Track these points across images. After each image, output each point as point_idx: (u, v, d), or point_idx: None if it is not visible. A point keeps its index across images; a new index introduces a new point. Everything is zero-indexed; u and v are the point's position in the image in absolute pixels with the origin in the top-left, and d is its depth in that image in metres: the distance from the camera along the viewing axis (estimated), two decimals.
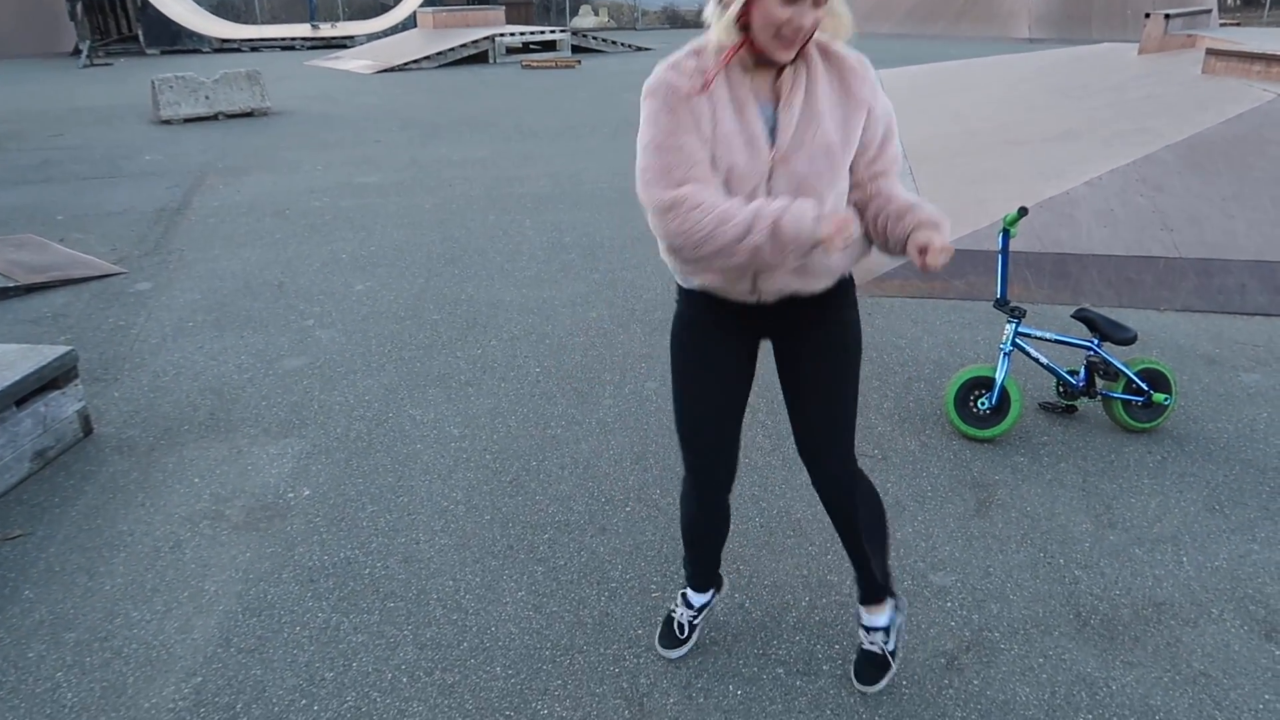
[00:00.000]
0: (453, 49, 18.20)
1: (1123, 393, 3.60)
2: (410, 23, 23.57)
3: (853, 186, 2.01)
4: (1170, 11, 10.64)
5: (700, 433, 2.32)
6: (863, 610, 2.44)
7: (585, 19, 30.55)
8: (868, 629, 2.43)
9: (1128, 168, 6.04)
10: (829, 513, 2.38)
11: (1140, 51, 10.37)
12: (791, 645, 2.56)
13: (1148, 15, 10.65)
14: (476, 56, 18.52)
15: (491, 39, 18.62)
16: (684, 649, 2.53)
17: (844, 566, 2.87)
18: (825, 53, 1.96)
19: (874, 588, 2.40)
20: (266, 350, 4.55)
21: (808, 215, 1.81)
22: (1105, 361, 3.58)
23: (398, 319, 4.92)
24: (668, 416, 3.82)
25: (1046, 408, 3.85)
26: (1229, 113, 6.57)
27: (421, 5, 24.04)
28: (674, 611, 2.57)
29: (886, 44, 20.47)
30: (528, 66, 17.54)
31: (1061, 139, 7.30)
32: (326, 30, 24.80)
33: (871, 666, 2.41)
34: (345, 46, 22.34)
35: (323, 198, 7.56)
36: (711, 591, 2.59)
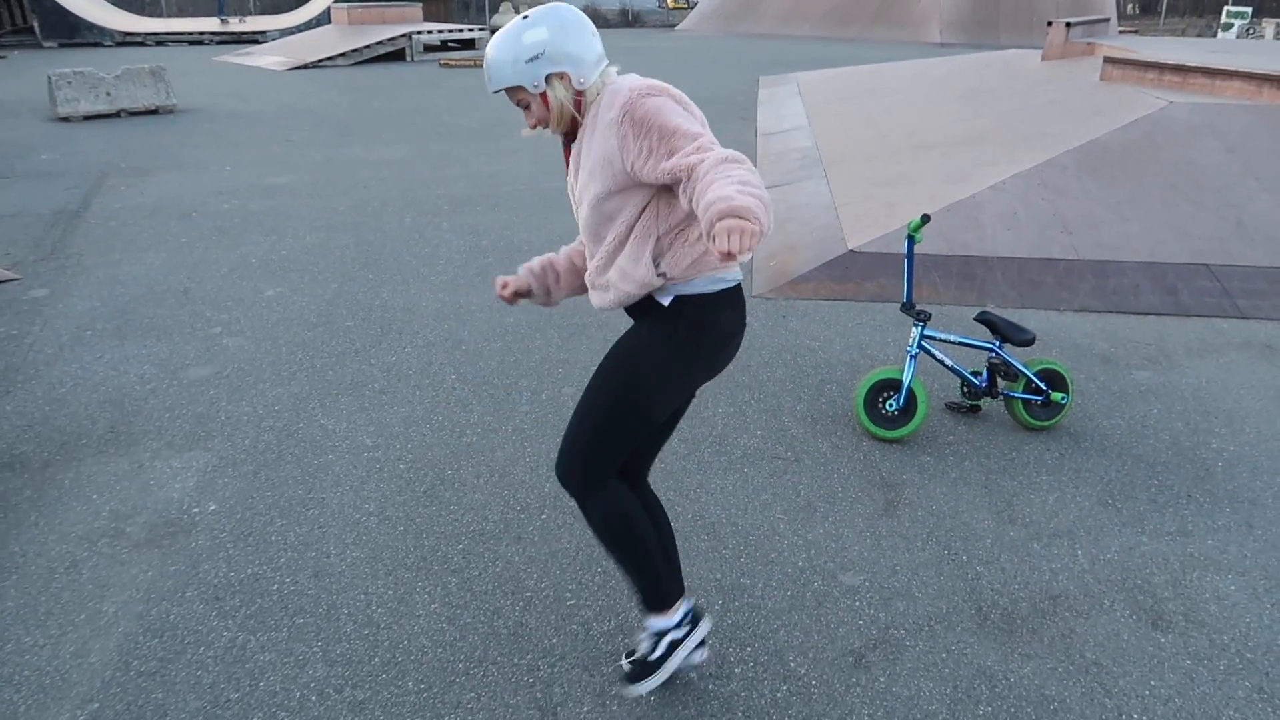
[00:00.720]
0: (368, 46, 17.88)
1: (1023, 392, 3.73)
2: (324, 18, 23.07)
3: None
4: (1071, 20, 11.04)
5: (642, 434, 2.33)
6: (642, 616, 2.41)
7: (505, 17, 30.32)
8: (642, 628, 2.43)
9: (1030, 172, 6.26)
10: None
11: (1043, 58, 10.74)
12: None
13: (1050, 23, 11.03)
14: (393, 54, 18.22)
15: (409, 36, 18.34)
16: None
17: (756, 569, 2.92)
18: (597, 101, 2.18)
19: (645, 591, 2.34)
20: (171, 359, 4.41)
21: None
22: (1006, 362, 3.71)
23: (309, 325, 4.82)
24: None
25: (952, 408, 3.97)
26: (1124, 119, 6.86)
27: (336, 1, 23.55)
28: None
29: (804, 46, 20.79)
30: (446, 65, 17.33)
31: (969, 143, 7.52)
32: (236, 25, 24.13)
33: (636, 667, 2.37)
34: (256, 42, 21.77)
35: (231, 199, 7.36)
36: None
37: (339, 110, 12.07)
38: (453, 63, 17.48)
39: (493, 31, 20.94)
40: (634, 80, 2.16)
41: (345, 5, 20.89)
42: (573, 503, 3.26)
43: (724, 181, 1.80)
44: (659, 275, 2.16)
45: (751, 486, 3.39)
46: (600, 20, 30.62)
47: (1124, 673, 2.51)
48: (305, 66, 16.95)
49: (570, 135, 2.25)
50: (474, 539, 3.06)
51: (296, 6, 27.15)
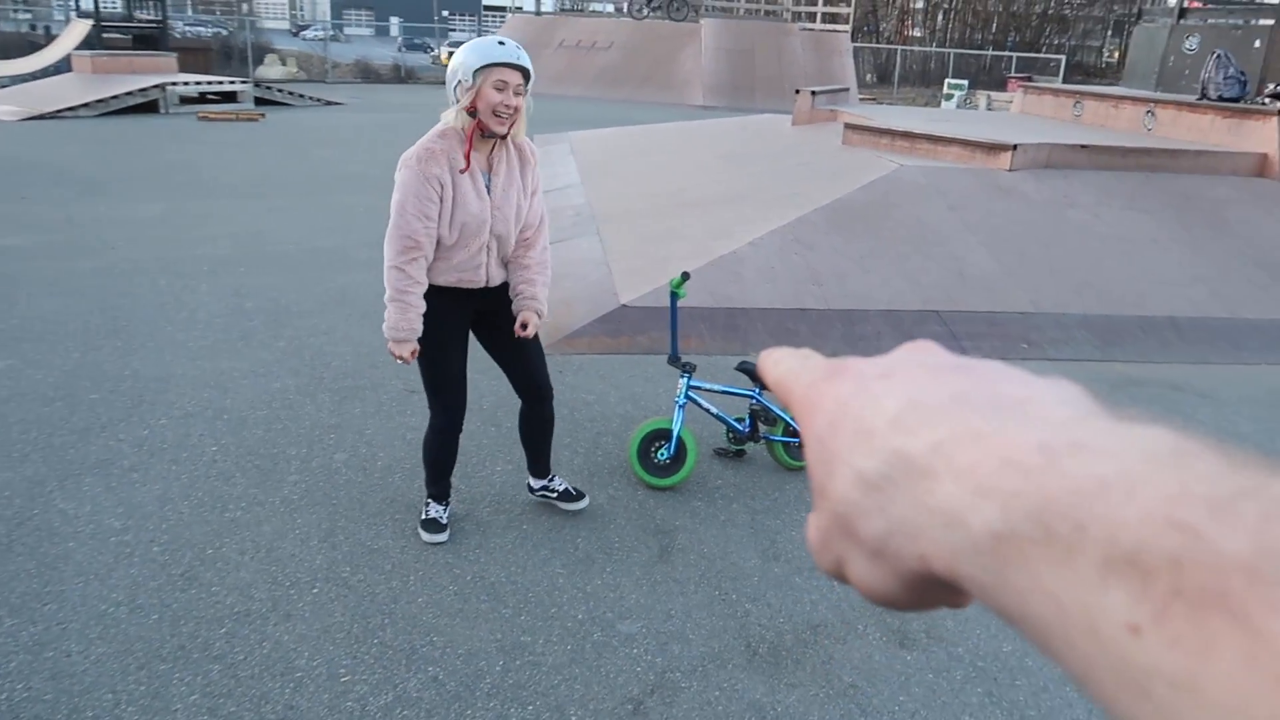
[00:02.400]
0: (116, 96, 16.67)
1: (782, 435, 3.99)
2: (64, 66, 21.32)
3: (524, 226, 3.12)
4: (816, 89, 12.04)
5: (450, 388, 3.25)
6: (538, 480, 3.59)
7: (271, 69, 29.20)
8: (550, 482, 3.59)
9: (784, 228, 6.75)
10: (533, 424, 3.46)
11: (794, 123, 11.63)
12: (486, 712, 2.58)
13: (798, 91, 11.98)
14: (145, 106, 17.10)
15: (162, 87, 17.28)
16: (446, 534, 3.36)
17: (537, 626, 2.94)
18: (514, 141, 3.03)
19: (548, 464, 3.58)
20: None
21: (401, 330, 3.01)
22: (765, 408, 3.96)
23: (45, 400, 4.41)
24: (359, 489, 3.73)
25: (719, 453, 4.18)
26: (863, 180, 7.54)
27: (78, 48, 21.85)
28: (430, 510, 3.40)
29: (577, 106, 21.40)
30: (205, 118, 16.46)
31: (730, 201, 8.01)
32: None
33: (571, 494, 3.57)
34: None
35: None
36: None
37: (83, 165, 11.17)
38: (213, 116, 16.64)
39: (256, 84, 20.10)
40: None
41: (89, 53, 19.41)
42: (347, 572, 3.18)
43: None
44: None
45: (530, 543, 3.42)
46: (373, 75, 30.14)
47: (876, 691, 2.73)
48: (43, 117, 15.57)
49: (480, 141, 2.95)
50: (238, 620, 2.90)
51: (30, 52, 24.94)
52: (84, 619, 2.87)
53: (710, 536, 3.53)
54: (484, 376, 4.90)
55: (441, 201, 2.87)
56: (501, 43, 2.87)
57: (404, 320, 2.94)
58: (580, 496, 3.62)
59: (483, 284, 3.09)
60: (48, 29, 30.64)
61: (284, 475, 3.83)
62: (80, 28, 24.34)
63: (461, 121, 2.87)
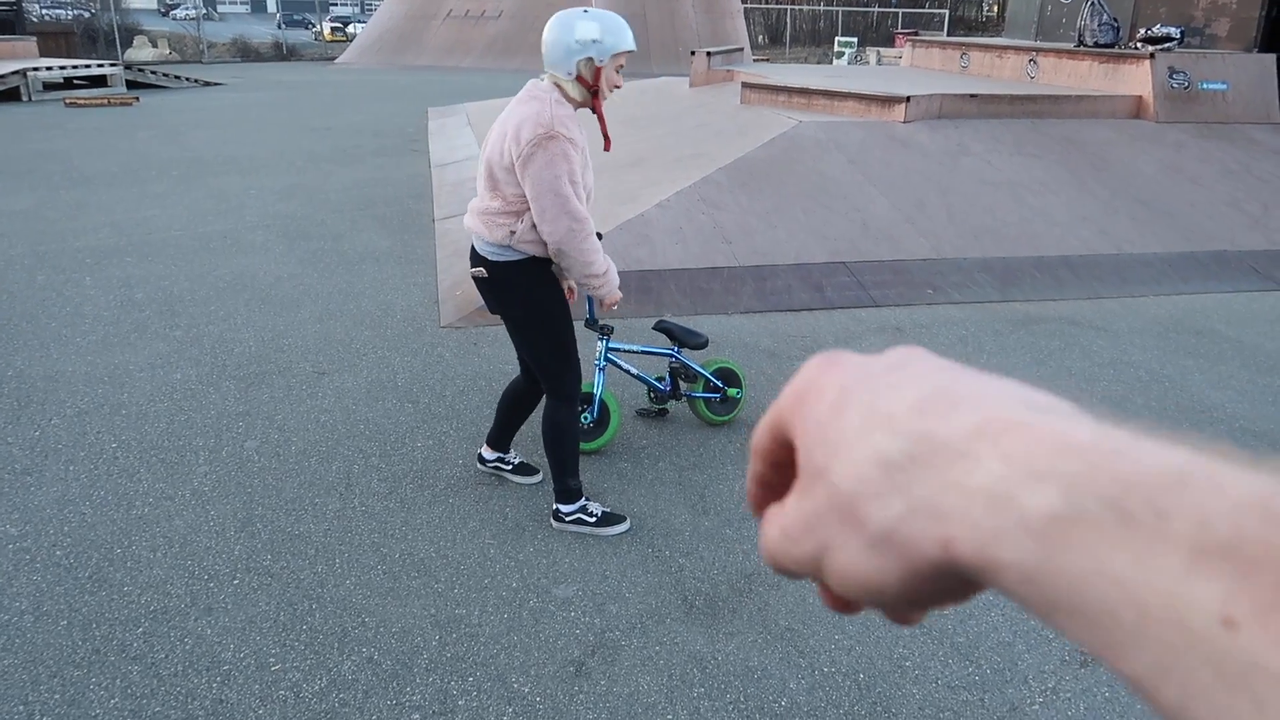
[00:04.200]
0: None
1: (703, 392, 4.01)
2: None
3: None
4: (711, 50, 12.04)
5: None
6: (493, 452, 3.55)
7: (142, 51, 27.76)
8: (505, 455, 3.56)
9: (690, 189, 6.75)
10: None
11: (691, 85, 11.62)
12: (425, 688, 2.53)
13: (694, 53, 11.96)
14: (5, 94, 16.06)
15: (23, 74, 16.24)
16: (627, 522, 3.30)
17: (471, 598, 2.90)
18: None
19: (506, 442, 3.56)
20: None
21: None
22: (685, 366, 3.97)
23: None
24: (274, 476, 3.60)
25: (643, 414, 4.18)
26: (764, 138, 7.59)
27: None
28: (591, 506, 3.28)
29: (469, 78, 20.96)
30: (73, 104, 15.55)
31: (633, 166, 7.96)
32: None
33: (526, 467, 3.59)
34: None
35: None
36: None
37: None
38: (81, 101, 15.74)
39: (127, 67, 19.06)
40: None
41: None
42: (269, 560, 3.07)
43: None
44: None
45: (458, 516, 3.36)
46: (253, 53, 28.94)
47: (812, 633, 2.77)
48: None
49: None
50: (156, 619, 2.77)
51: None
52: None
53: (639, 496, 3.53)
54: (395, 353, 4.79)
55: (583, 168, 2.89)
56: (623, 25, 2.92)
57: (611, 277, 2.99)
58: (535, 471, 3.59)
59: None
60: None
61: (192, 467, 3.67)
62: None
63: (580, 94, 2.88)
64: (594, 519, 3.26)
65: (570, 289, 3.17)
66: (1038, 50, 10.19)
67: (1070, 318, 5.63)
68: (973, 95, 8.42)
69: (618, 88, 2.93)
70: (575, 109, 2.89)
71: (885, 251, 6.27)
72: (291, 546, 3.16)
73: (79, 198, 8.40)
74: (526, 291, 2.98)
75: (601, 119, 2.98)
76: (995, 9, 46.35)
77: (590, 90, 2.88)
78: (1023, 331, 5.37)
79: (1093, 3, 10.08)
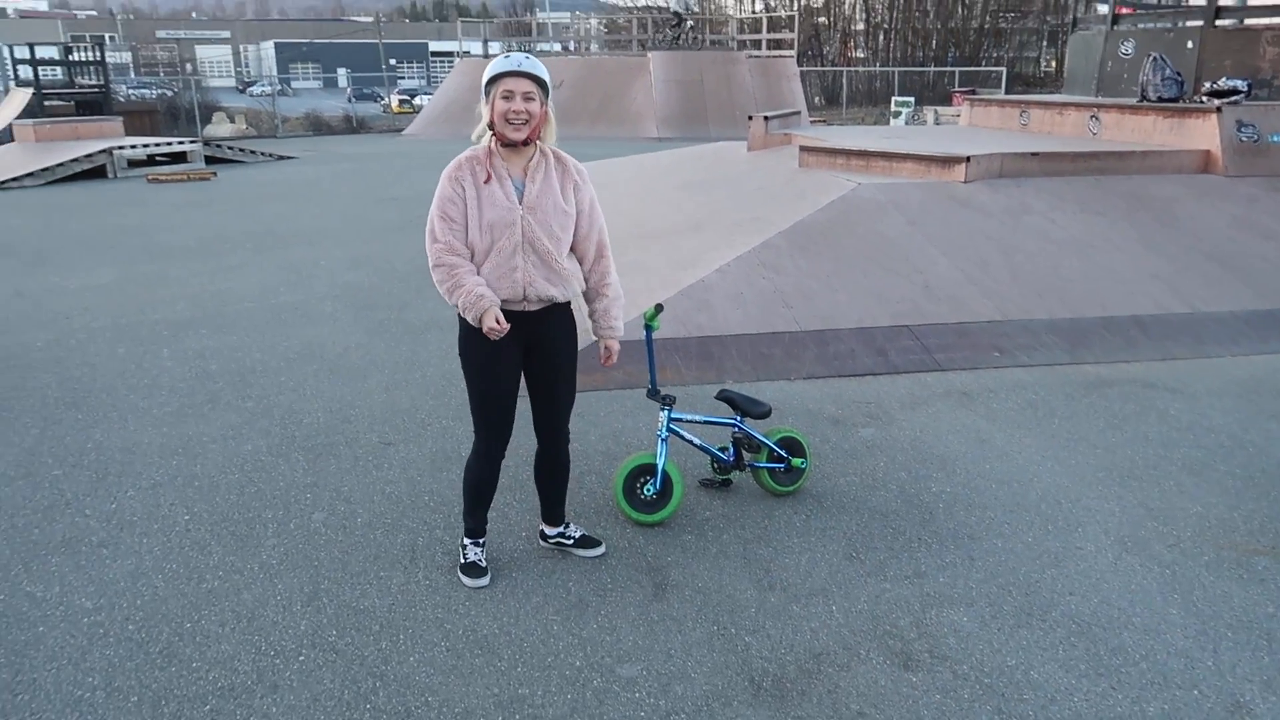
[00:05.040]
0: (61, 164, 16.44)
1: (766, 462, 3.96)
2: (5, 136, 21.02)
3: (575, 242, 3.18)
4: (768, 114, 12.16)
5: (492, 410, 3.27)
6: (553, 528, 3.60)
7: (220, 127, 29.05)
8: (564, 529, 3.59)
9: (749, 254, 6.76)
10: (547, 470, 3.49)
11: (749, 149, 11.73)
12: None
13: (750, 117, 12.09)
14: (93, 172, 16.88)
15: (109, 152, 17.08)
16: (488, 577, 3.37)
17: (535, 677, 2.86)
18: (556, 155, 3.13)
19: (562, 512, 3.59)
20: None
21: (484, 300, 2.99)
22: (748, 435, 3.93)
23: (6, 480, 4.26)
24: (340, 548, 3.63)
25: (706, 484, 4.14)
26: (823, 201, 7.60)
27: (19, 117, 21.58)
28: (467, 553, 3.43)
29: None
30: (155, 180, 16.28)
31: (692, 230, 8.03)
32: None
33: (589, 540, 3.58)
34: None
35: None
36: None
37: (30, 236, 10.97)
38: (163, 177, 16.46)
39: (205, 143, 19.93)
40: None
41: (31, 122, 19.16)
42: (334, 635, 3.08)
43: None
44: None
45: (521, 591, 3.34)
46: (324, 126, 30.08)
47: (885, 718, 2.67)
48: None
49: (509, 153, 3.05)
50: (223, 696, 2.79)
51: None
52: (59, 707, 2.74)
53: (703, 570, 3.47)
54: (459, 422, 4.83)
55: (467, 206, 2.99)
56: (507, 57, 2.99)
57: (467, 294, 2.97)
58: (597, 543, 3.59)
59: (520, 297, 3.07)
60: None
61: (261, 540, 3.72)
62: (20, 96, 24.07)
63: (484, 136, 3.03)
64: (462, 562, 3.43)
65: (605, 352, 3.38)
66: (1099, 106, 10.09)
67: (1144, 380, 5.47)
68: (1034, 153, 8.34)
69: (516, 114, 2.93)
70: (491, 148, 3.03)
71: (949, 313, 6.18)
72: (356, 621, 3.17)
73: (158, 271, 8.73)
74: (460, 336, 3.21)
75: (489, 150, 3.04)
76: (1053, 64, 46.17)
77: (490, 128, 3.00)
78: (1095, 395, 5.22)
79: (1155, 57, 9.97)
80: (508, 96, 2.93)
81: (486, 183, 2.99)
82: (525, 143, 3.01)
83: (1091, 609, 3.20)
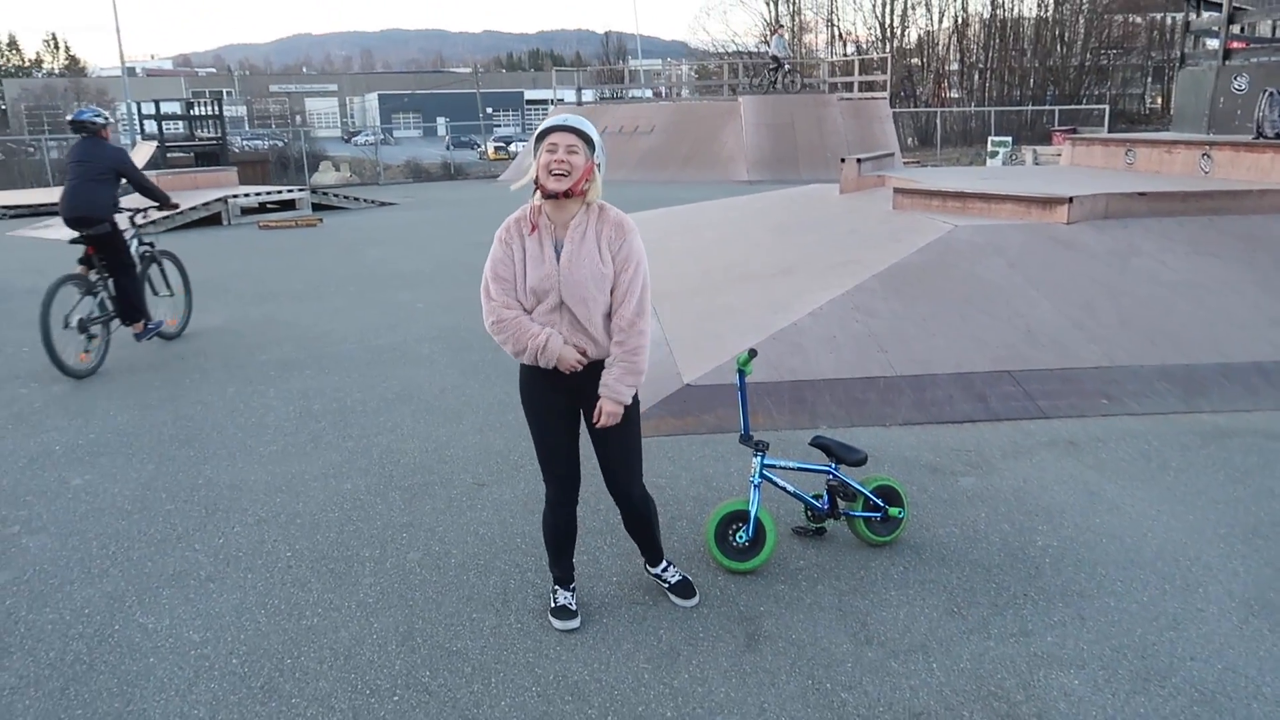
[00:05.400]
0: (181, 212, 17.40)
1: (862, 510, 3.86)
2: (130, 186, 22.34)
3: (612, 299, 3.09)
4: (861, 156, 12.07)
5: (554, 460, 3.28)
6: (652, 568, 3.60)
7: (326, 175, 30.35)
8: (663, 572, 3.58)
9: (843, 297, 6.68)
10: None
11: (841, 191, 11.64)
12: None
13: (843, 159, 12.02)
14: (209, 219, 17.79)
15: (224, 200, 17.99)
16: (577, 620, 3.38)
17: None
18: (601, 210, 3.10)
19: (658, 552, 3.57)
20: None
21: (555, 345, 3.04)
22: (843, 483, 3.84)
23: (123, 514, 4.46)
24: (434, 589, 3.67)
25: (799, 532, 4.05)
26: (919, 243, 7.47)
27: (144, 168, 22.92)
28: (557, 597, 3.44)
29: (622, 189, 21.77)
30: (266, 227, 17.06)
31: (784, 273, 7.98)
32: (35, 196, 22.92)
33: (685, 588, 3.53)
34: (57, 214, 20.75)
35: (30, 383, 6.84)
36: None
37: None
38: (273, 224, 17.24)
39: (313, 190, 20.83)
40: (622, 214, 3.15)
41: (154, 173, 20.35)
42: (427, 676, 3.10)
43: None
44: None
45: (612, 637, 3.31)
46: (423, 173, 31.13)
47: None
48: None
49: (553, 207, 3.05)
50: None
51: None
52: None
53: (797, 621, 3.39)
54: None
55: (515, 266, 3.05)
56: (555, 115, 3.09)
57: (537, 339, 3.03)
58: (693, 594, 3.53)
59: (551, 362, 3.09)
60: None
61: (359, 578, 3.79)
62: (145, 149, 25.55)
63: (530, 190, 3.08)
64: (552, 606, 3.45)
65: (596, 411, 3.14)
66: (1211, 144, 9.70)
67: (1267, 431, 5.17)
68: (1142, 193, 8.05)
69: (560, 164, 2.95)
70: (537, 204, 3.06)
71: (1052, 359, 5.97)
72: (449, 663, 3.19)
73: (267, 313, 9.10)
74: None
75: (534, 221, 3.07)
76: (1159, 101, 44.76)
77: (536, 183, 3.02)
78: (1214, 446, 4.95)
79: (1272, 93, 9.57)
80: (552, 149, 2.97)
81: (532, 234, 3.04)
82: (568, 195, 2.98)
83: (1215, 676, 3.01)
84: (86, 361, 6.95)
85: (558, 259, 3.01)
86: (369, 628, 3.42)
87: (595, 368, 3.12)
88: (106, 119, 7.44)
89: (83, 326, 6.97)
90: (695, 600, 3.52)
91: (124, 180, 7.26)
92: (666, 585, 3.56)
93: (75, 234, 7.15)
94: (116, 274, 7.30)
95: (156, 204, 7.71)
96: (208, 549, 4.08)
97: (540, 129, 3.05)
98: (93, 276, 7.17)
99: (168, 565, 3.94)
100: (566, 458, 3.27)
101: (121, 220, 7.35)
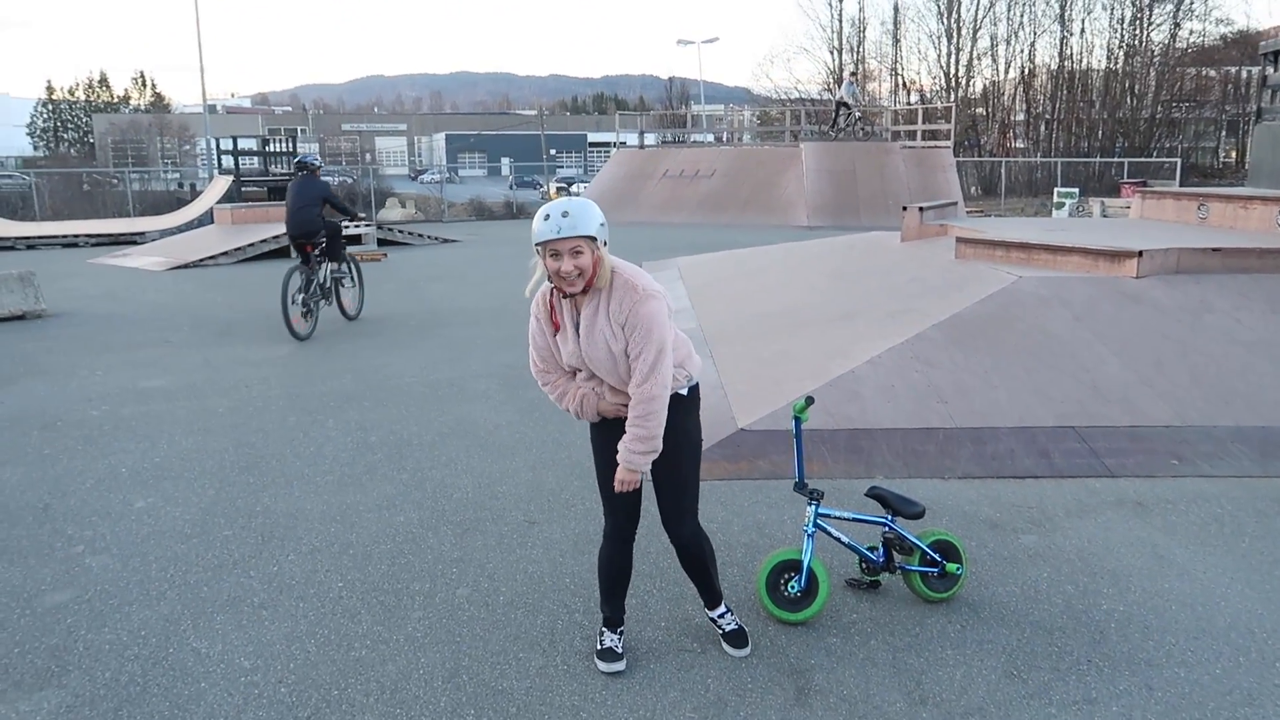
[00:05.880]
0: (252, 244, 17.90)
1: (918, 565, 3.76)
2: (206, 219, 23.12)
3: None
4: (923, 205, 11.99)
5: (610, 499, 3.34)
6: (709, 611, 3.54)
7: (392, 211, 31.05)
8: (719, 617, 3.51)
9: (902, 346, 6.59)
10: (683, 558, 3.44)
11: (902, 239, 11.55)
12: None
13: (905, 208, 11.94)
14: (279, 251, 18.28)
15: None
16: (623, 663, 3.34)
17: None
18: (612, 283, 3.05)
19: (715, 594, 3.51)
20: (24, 586, 4.05)
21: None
22: (900, 536, 3.76)
23: (183, 538, 4.54)
24: (482, 626, 3.66)
25: (852, 584, 3.97)
26: (981, 294, 7.36)
27: (220, 201, 23.72)
28: (604, 639, 3.41)
29: (681, 232, 21.89)
30: None
31: (843, 320, 7.91)
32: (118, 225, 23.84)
33: (739, 637, 3.46)
34: (135, 243, 21.54)
35: (101, 405, 7.05)
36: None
37: (220, 309, 11.92)
38: None
39: (379, 226, 21.32)
40: (634, 275, 3.08)
41: (229, 206, 21.04)
42: (472, 715, 3.07)
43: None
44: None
45: (658, 684, 3.26)
46: (486, 212, 31.68)
47: None
48: (185, 266, 16.80)
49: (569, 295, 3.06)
50: None
51: (178, 208, 27.20)
52: None
53: (849, 677, 3.30)
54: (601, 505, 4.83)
55: (549, 342, 3.21)
56: (547, 216, 2.93)
57: (573, 405, 3.24)
58: (745, 644, 3.47)
59: (598, 415, 3.25)
60: (193, 186, 33.49)
61: (408, 612, 3.79)
62: (221, 183, 26.49)
63: (542, 274, 3.09)
64: (598, 648, 3.41)
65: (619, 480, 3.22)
66: None
67: None
68: (1215, 249, 7.85)
69: (564, 276, 2.93)
70: (552, 299, 3.16)
71: (1120, 416, 5.80)
72: (494, 703, 3.16)
73: (329, 345, 9.28)
74: None
75: (553, 312, 3.16)
76: (1234, 155, 43.81)
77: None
78: None
79: None
80: (555, 256, 2.92)
81: (555, 334, 3.17)
82: (585, 290, 3.03)
83: None
84: (305, 327, 9.61)
85: (578, 337, 3.12)
86: (416, 663, 3.42)
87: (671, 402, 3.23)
88: (320, 163, 10.54)
89: (303, 303, 9.67)
90: (747, 651, 3.44)
91: (327, 204, 10.14)
92: (721, 632, 3.50)
93: (296, 242, 10.15)
94: (323, 269, 10.25)
95: (349, 218, 11.72)
96: (262, 576, 4.13)
97: (534, 237, 2.95)
98: (308, 269, 9.87)
99: (223, 591, 3.99)
100: (619, 497, 3.28)
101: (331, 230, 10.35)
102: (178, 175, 39.44)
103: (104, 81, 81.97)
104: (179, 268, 16.77)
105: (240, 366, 8.36)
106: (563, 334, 3.14)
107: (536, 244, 2.96)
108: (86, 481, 5.35)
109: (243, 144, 28.53)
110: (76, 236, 22.02)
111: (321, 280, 10.09)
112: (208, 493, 5.15)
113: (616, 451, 3.16)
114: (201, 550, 4.40)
